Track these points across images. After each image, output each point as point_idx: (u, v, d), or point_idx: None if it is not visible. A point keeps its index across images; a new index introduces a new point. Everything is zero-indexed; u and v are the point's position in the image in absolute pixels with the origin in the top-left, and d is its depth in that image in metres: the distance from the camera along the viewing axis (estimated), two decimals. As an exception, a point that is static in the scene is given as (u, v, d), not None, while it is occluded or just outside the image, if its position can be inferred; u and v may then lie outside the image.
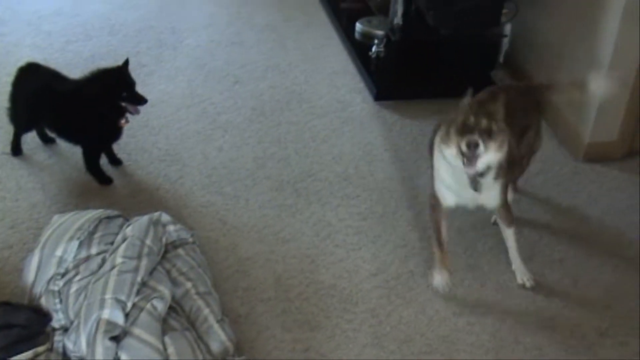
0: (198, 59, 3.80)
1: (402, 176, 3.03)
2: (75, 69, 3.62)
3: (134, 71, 3.57)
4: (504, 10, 3.47)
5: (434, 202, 2.43)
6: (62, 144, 3.02)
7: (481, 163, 2.18)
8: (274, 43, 4.00)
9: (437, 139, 2.30)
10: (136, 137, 3.16)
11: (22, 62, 2.96)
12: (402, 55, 3.64)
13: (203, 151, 3.12)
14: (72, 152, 3.01)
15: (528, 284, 2.52)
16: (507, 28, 3.73)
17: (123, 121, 2.80)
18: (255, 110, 3.41)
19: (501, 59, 3.83)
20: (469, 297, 2.49)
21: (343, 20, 4.14)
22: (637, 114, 3.13)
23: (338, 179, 3.00)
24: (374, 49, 3.72)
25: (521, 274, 2.54)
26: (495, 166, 2.24)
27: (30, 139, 3.08)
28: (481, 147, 2.12)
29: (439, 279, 2.48)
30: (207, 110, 3.39)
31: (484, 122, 2.15)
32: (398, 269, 2.58)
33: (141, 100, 2.78)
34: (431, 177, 2.45)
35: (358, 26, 3.95)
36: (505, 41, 3.78)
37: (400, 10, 3.61)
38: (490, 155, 2.18)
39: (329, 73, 3.74)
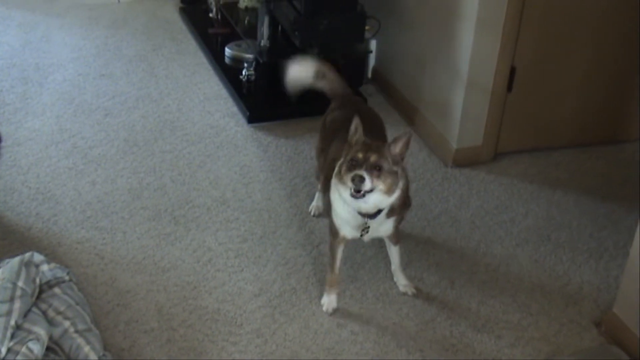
0: (66, 94, 3.72)
1: (280, 195, 3.07)
2: None
3: (-4, 110, 3.51)
4: (367, 27, 3.59)
5: (333, 232, 2.45)
6: None
7: (371, 203, 2.20)
8: (144, 73, 3.97)
9: (334, 178, 2.29)
10: (4, 177, 3.06)
11: None
12: (271, 77, 3.68)
13: (76, 187, 3.05)
14: None
15: (410, 293, 2.61)
16: (373, 44, 3.86)
17: None
18: (128, 141, 3.37)
19: (369, 74, 3.95)
20: (351, 307, 2.54)
21: (212, 45, 4.16)
22: (498, 119, 3.29)
23: (216, 204, 3.00)
24: (244, 72, 3.76)
25: (404, 286, 2.62)
26: (387, 209, 2.28)
27: None
28: (367, 181, 2.11)
29: (327, 300, 2.53)
30: (77, 145, 3.32)
31: (372, 158, 2.14)
32: (280, 287, 2.60)
33: None
34: (329, 208, 2.43)
35: (227, 51, 3.98)
36: (372, 57, 3.90)
37: (266, 33, 3.67)
38: (377, 196, 2.18)
39: (201, 99, 3.74)
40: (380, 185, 2.15)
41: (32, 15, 4.54)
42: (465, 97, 3.17)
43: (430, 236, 2.89)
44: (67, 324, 2.24)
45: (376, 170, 2.14)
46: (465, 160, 3.32)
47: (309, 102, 3.69)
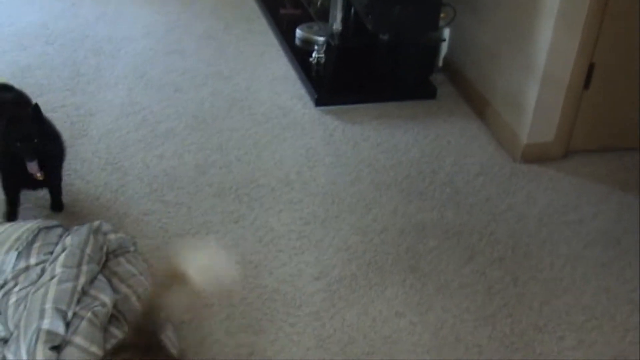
0: (137, 68, 3.77)
1: (344, 181, 3.05)
2: (12, 79, 3.57)
3: (72, 80, 3.58)
4: (442, 15, 3.53)
5: None
6: None
7: None
8: (214, 50, 3.99)
9: None
10: (75, 146, 3.12)
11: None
12: (342, 60, 3.67)
13: (144, 159, 3.09)
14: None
15: None
16: (446, 32, 3.80)
17: (39, 174, 2.57)
18: (196, 117, 3.40)
19: (440, 63, 3.89)
20: (410, 297, 2.52)
21: (283, 26, 4.16)
22: (573, 116, 3.21)
23: (280, 185, 3.00)
24: (314, 54, 3.75)
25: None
26: None
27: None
28: None
29: None
30: (147, 118, 3.37)
31: None
32: (340, 272, 2.60)
33: (28, 157, 2.50)
34: None
35: (298, 32, 3.98)
36: (444, 45, 3.85)
37: (339, 16, 3.64)
38: None
39: (270, 80, 3.75)
40: None
41: (108, -12, 4.61)
42: (540, 92, 3.10)
43: (494, 231, 2.85)
44: (130, 293, 2.27)
45: None
46: (535, 156, 3.25)
47: (378, 88, 3.69)
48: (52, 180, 2.72)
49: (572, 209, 2.99)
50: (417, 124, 3.47)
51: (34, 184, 2.68)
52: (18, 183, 2.69)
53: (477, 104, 3.58)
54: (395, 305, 2.48)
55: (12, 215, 2.73)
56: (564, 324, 2.46)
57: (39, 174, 2.57)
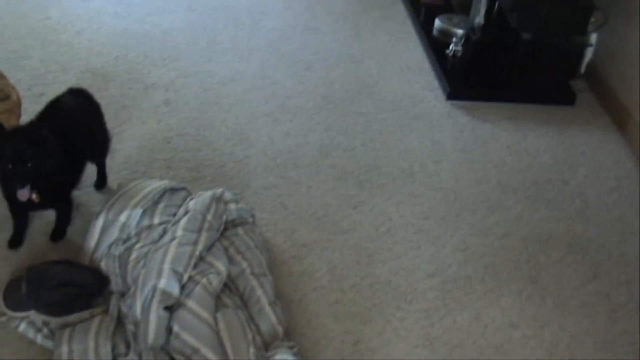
0: (272, 42, 3.79)
1: (468, 179, 2.96)
2: (152, 40, 3.68)
3: (209, 48, 3.64)
4: (592, 19, 3.36)
5: None
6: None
7: None
8: (350, 32, 3.96)
9: None
10: (206, 112, 3.17)
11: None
12: (480, 55, 3.55)
13: (270, 134, 3.10)
14: (141, 126, 3.04)
15: None
16: (593, 37, 3.62)
17: (34, 196, 2.26)
18: (324, 97, 3.38)
19: (583, 69, 3.71)
20: (526, 309, 2.41)
21: (421, 15, 4.07)
22: None
23: (403, 175, 2.94)
24: (451, 47, 3.65)
25: None
26: None
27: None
28: None
29: None
30: (277, 93, 3.37)
31: None
32: (456, 273, 2.52)
33: (19, 183, 2.19)
34: None
35: (437, 23, 3.88)
36: (590, 51, 3.66)
37: (483, 9, 3.52)
38: None
39: (403, 67, 3.68)
40: None
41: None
42: (691, 110, 2.90)
43: (624, 252, 2.69)
44: (244, 264, 2.28)
45: None
46: (675, 178, 3.05)
47: (514, 88, 3.56)
48: (53, 203, 2.42)
49: None
50: (551, 130, 3.33)
51: (33, 206, 2.33)
52: (17, 204, 2.34)
53: (618, 115, 3.39)
54: (510, 315, 2.38)
55: (15, 241, 2.42)
56: (691, 361, 2.30)
57: (34, 196, 2.25)
